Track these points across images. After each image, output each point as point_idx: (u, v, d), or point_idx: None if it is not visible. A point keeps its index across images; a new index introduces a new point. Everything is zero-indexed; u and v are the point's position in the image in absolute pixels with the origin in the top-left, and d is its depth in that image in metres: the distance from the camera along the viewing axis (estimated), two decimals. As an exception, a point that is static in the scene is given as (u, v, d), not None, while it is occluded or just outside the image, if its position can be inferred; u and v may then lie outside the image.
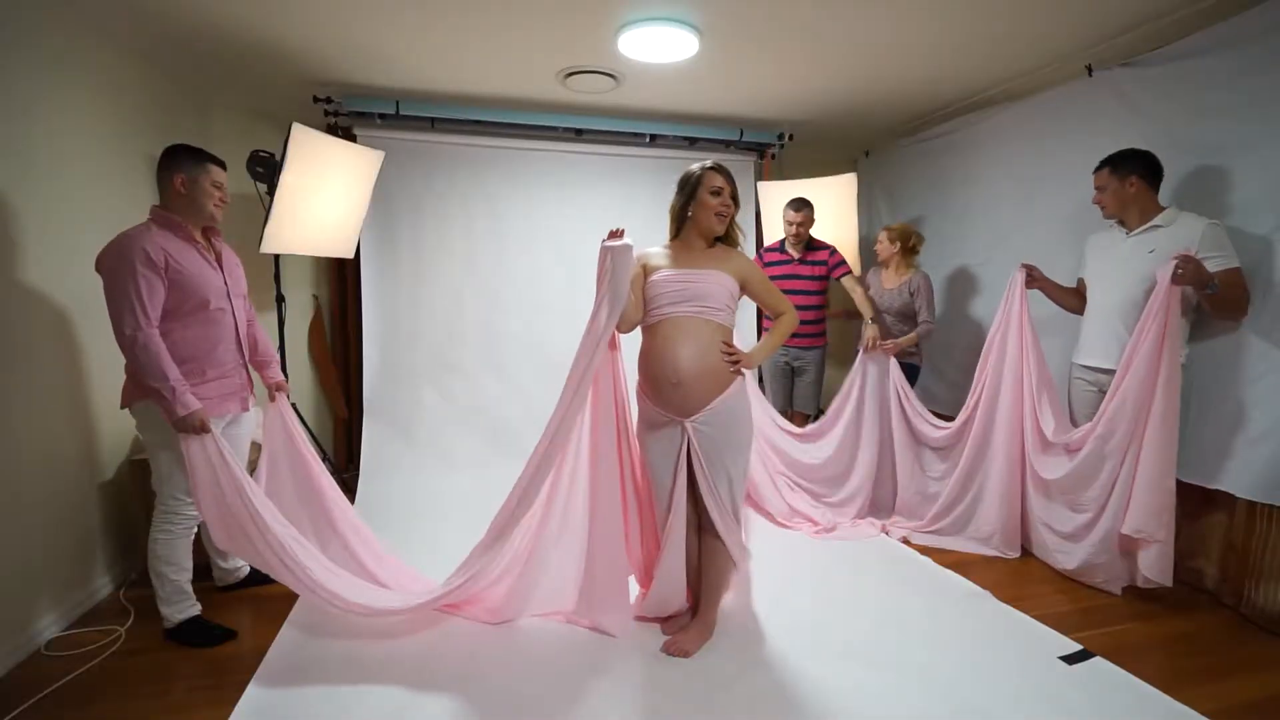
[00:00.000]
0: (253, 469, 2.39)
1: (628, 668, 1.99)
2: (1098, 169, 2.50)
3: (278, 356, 2.54)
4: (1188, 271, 2.18)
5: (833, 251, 3.53)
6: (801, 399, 3.62)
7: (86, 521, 2.43)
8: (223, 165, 2.19)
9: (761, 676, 1.94)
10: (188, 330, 2.07)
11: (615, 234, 1.96)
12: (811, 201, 3.49)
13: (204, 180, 2.10)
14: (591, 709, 1.80)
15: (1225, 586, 2.42)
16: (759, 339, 2.51)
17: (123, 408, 2.11)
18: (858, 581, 2.57)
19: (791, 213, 3.44)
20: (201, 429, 1.97)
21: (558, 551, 2.18)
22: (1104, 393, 2.46)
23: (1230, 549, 2.41)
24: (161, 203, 2.11)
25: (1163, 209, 2.40)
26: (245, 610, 2.37)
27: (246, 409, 2.31)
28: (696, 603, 2.19)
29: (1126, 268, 2.43)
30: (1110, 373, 2.45)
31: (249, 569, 2.55)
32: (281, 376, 2.48)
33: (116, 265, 1.95)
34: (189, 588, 2.18)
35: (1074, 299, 2.74)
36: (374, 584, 2.26)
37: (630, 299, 2.00)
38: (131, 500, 2.59)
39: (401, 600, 2.15)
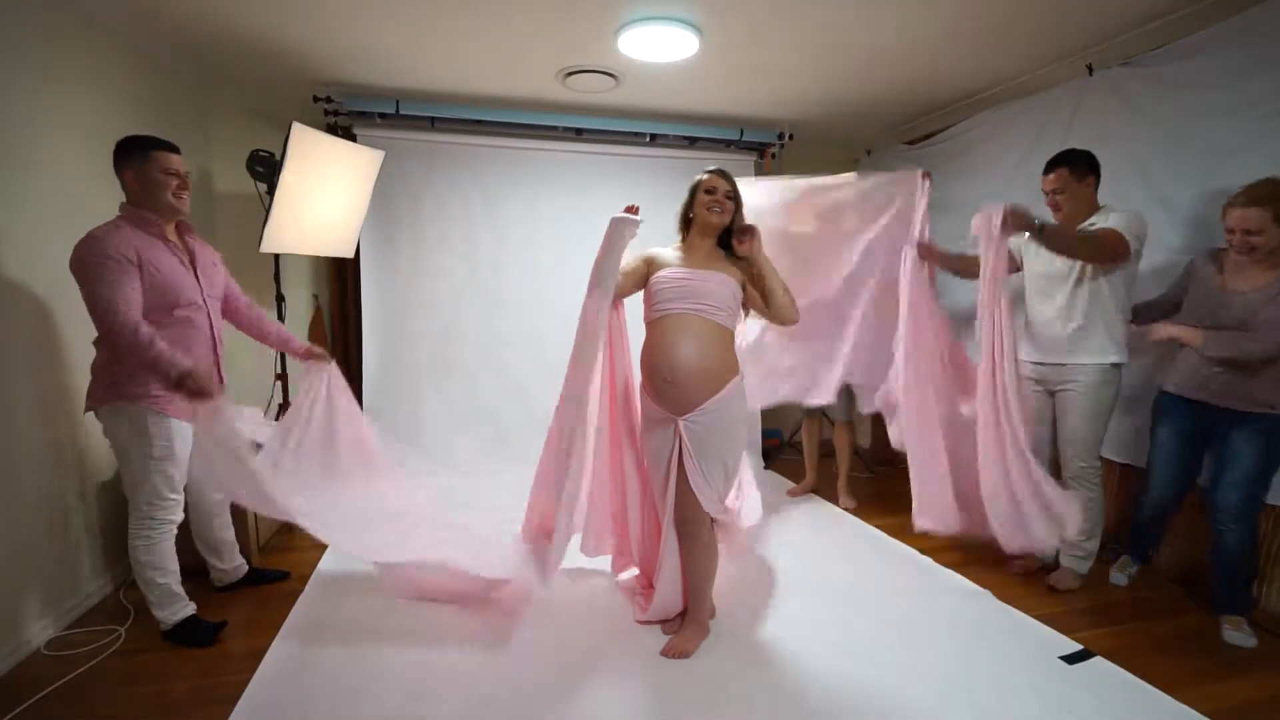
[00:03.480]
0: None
1: (628, 668, 1.99)
2: (1051, 170, 2.44)
3: (287, 333, 2.51)
4: (1015, 218, 2.30)
5: None
6: (842, 403, 3.35)
7: (86, 521, 2.43)
8: (173, 149, 2.04)
9: (761, 676, 1.94)
10: (160, 332, 1.93)
11: (631, 209, 2.04)
12: None
13: (152, 170, 1.98)
14: (592, 709, 1.80)
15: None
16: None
17: (86, 412, 2.04)
18: (857, 581, 2.57)
19: None
20: (206, 391, 1.86)
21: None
22: (1049, 392, 2.51)
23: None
24: (127, 200, 2.03)
25: (1099, 208, 2.40)
26: (244, 609, 2.36)
27: None
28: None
29: (1064, 266, 2.40)
30: (1052, 365, 2.47)
31: (247, 568, 2.55)
32: (305, 344, 2.47)
33: (88, 262, 1.86)
34: (179, 589, 2.14)
35: (964, 263, 2.70)
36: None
37: (620, 281, 2.08)
38: (131, 500, 2.59)
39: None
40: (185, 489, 2.14)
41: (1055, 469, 2.51)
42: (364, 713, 1.78)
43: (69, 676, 1.96)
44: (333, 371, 2.42)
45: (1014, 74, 3.27)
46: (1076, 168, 2.40)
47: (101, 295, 1.85)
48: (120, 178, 2.02)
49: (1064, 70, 3.07)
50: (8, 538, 2.06)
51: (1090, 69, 2.89)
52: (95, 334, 2.01)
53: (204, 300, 2.13)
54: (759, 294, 2.12)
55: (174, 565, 2.13)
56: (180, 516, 2.14)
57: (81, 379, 2.43)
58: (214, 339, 2.18)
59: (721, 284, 2.02)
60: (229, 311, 2.34)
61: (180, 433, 2.06)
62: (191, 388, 1.86)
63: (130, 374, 1.97)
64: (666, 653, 2.05)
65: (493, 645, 2.10)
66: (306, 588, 2.48)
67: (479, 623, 2.23)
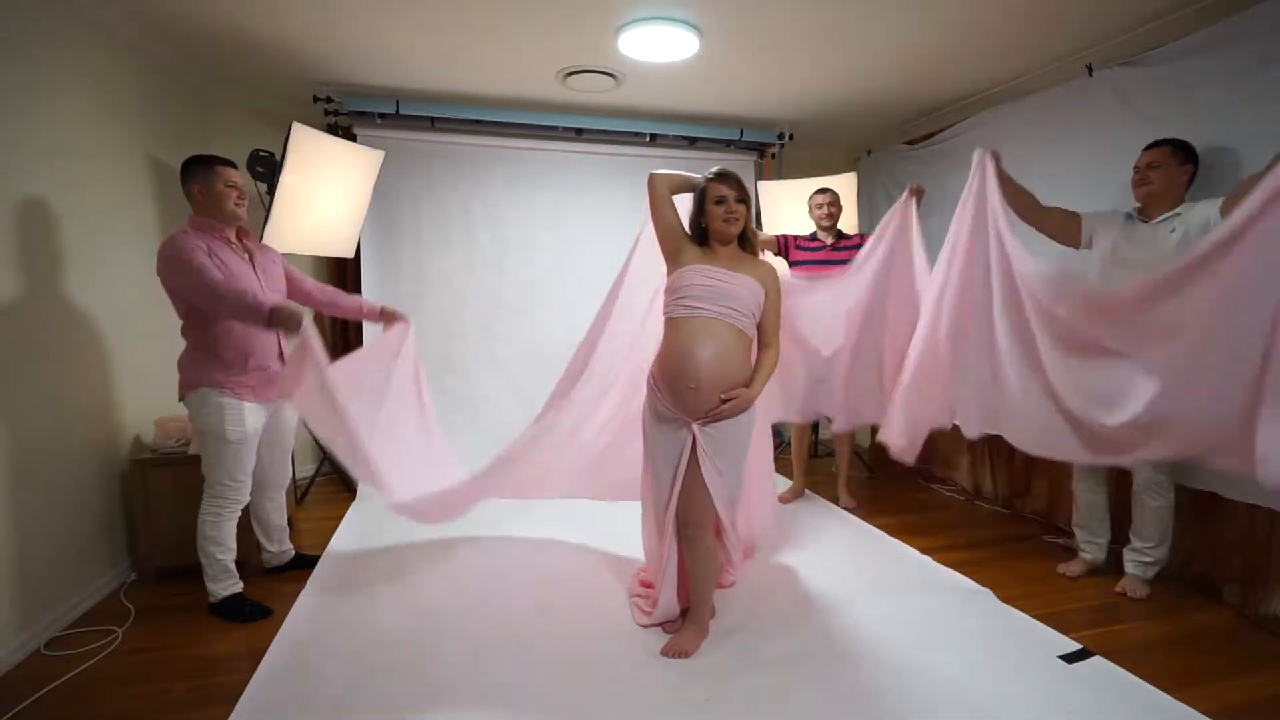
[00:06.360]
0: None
1: (629, 668, 1.98)
2: (1156, 145, 2.37)
3: (358, 299, 2.80)
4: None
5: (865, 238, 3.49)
6: None
7: (86, 521, 2.43)
8: (233, 165, 2.30)
9: (761, 676, 1.94)
10: (232, 323, 2.21)
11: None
12: (836, 190, 3.47)
13: (217, 183, 2.22)
14: (592, 709, 1.79)
15: (1229, 587, 2.42)
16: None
17: (180, 399, 2.26)
18: (857, 581, 2.57)
19: (819, 196, 3.42)
20: (297, 321, 2.07)
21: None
22: None
23: (1235, 549, 2.41)
24: (193, 212, 2.26)
25: (1184, 201, 2.35)
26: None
27: None
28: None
29: (1153, 254, 2.29)
30: None
31: (294, 553, 2.71)
32: (379, 306, 2.71)
33: (176, 257, 2.10)
34: (233, 567, 2.33)
35: (1036, 211, 2.56)
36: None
37: (669, 209, 2.12)
38: (131, 500, 2.59)
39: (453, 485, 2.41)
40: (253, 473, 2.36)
41: (1116, 480, 2.53)
42: (366, 712, 1.78)
43: (68, 676, 1.96)
44: (410, 335, 2.68)
45: (1014, 74, 3.27)
46: (1179, 151, 2.33)
47: (193, 275, 2.09)
48: (187, 190, 2.24)
49: (1064, 70, 3.07)
50: (7, 538, 2.06)
51: (1090, 69, 2.89)
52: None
53: (265, 296, 2.30)
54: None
55: (232, 544, 2.33)
56: (246, 499, 2.34)
57: (88, 379, 2.45)
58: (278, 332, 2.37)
59: (749, 289, 2.00)
60: (300, 296, 2.55)
61: (254, 418, 2.28)
62: (284, 319, 2.09)
63: (211, 362, 2.21)
64: (666, 652, 2.04)
65: (494, 644, 2.10)
66: (306, 586, 2.48)
67: (480, 623, 2.23)
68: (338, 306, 2.66)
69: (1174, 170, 2.33)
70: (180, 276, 2.12)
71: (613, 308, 2.43)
